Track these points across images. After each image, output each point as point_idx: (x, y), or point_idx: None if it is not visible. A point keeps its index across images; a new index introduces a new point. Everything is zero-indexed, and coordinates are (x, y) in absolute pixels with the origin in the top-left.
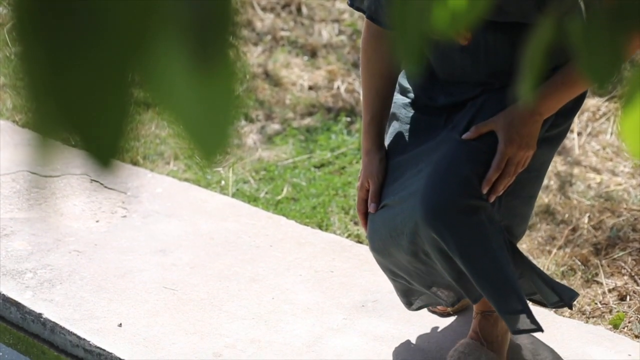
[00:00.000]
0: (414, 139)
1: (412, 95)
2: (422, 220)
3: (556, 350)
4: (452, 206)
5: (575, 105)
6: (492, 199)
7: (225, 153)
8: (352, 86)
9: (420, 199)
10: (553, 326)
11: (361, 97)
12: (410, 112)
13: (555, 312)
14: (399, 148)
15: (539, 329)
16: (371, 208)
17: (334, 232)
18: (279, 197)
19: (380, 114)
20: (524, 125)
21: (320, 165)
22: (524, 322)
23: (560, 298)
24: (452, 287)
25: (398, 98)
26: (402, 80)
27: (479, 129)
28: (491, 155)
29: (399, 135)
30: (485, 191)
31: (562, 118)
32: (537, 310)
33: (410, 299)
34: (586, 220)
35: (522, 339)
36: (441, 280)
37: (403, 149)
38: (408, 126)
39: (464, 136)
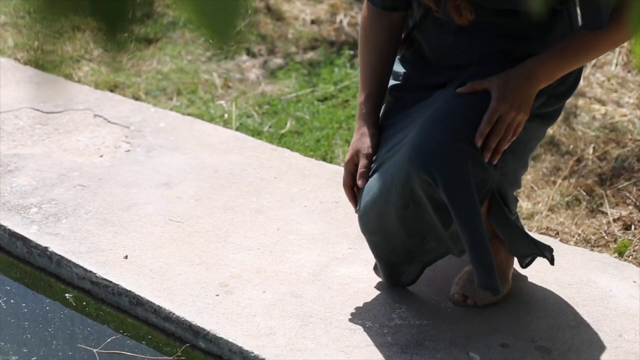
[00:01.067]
0: (406, 114)
1: (404, 78)
2: (413, 160)
3: (561, 277)
4: (443, 146)
5: (567, 90)
6: (487, 157)
7: (236, 34)
8: (354, 20)
9: (411, 142)
10: (558, 254)
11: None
12: (404, 94)
13: (560, 240)
14: (390, 124)
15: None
16: (360, 183)
17: (338, 164)
18: (283, 131)
19: (376, 93)
20: (518, 86)
21: (324, 99)
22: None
23: (542, 253)
24: (442, 239)
25: (391, 82)
26: (396, 66)
27: (474, 86)
28: (484, 111)
29: (391, 113)
30: (478, 144)
31: (554, 99)
32: (541, 237)
33: (394, 278)
34: (591, 151)
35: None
36: (431, 232)
37: (395, 123)
38: (400, 104)
39: (459, 90)
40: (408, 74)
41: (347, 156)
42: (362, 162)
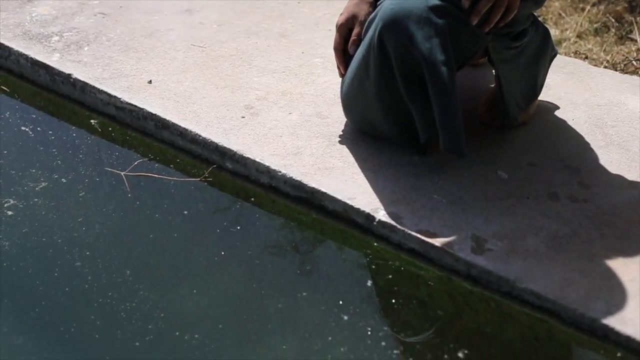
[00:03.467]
0: None
1: None
2: (390, 16)
3: (590, 98)
4: (422, 4)
5: None
6: (474, 20)
7: None
8: None
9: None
10: (587, 76)
11: None
12: None
13: (588, 63)
14: None
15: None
16: (351, 50)
17: None
18: None
19: None
20: None
21: None
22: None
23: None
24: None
25: None
26: None
27: None
28: None
29: None
30: (466, 5)
31: None
32: (570, 60)
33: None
34: None
35: (556, 88)
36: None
37: None
38: None
39: None
40: None
41: (341, 19)
42: (357, 30)
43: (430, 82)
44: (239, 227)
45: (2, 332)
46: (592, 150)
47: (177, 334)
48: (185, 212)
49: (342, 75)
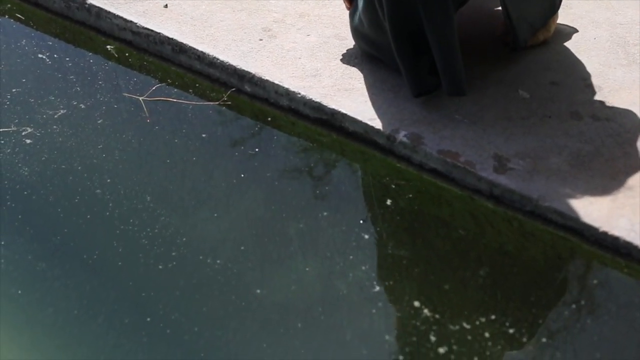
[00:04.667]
0: None
1: None
2: None
3: (612, 17)
4: None
5: None
6: None
7: None
8: None
9: None
10: None
11: None
12: None
13: None
14: None
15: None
16: None
17: None
18: None
19: None
20: None
21: None
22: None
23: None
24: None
25: None
26: None
27: None
28: None
29: None
30: None
31: None
32: None
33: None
34: None
35: (577, 7)
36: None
37: None
38: None
39: None
40: None
41: None
42: None
43: (427, 25)
44: (258, 150)
45: (26, 259)
46: (614, 68)
47: (200, 257)
48: (204, 136)
49: (349, 9)
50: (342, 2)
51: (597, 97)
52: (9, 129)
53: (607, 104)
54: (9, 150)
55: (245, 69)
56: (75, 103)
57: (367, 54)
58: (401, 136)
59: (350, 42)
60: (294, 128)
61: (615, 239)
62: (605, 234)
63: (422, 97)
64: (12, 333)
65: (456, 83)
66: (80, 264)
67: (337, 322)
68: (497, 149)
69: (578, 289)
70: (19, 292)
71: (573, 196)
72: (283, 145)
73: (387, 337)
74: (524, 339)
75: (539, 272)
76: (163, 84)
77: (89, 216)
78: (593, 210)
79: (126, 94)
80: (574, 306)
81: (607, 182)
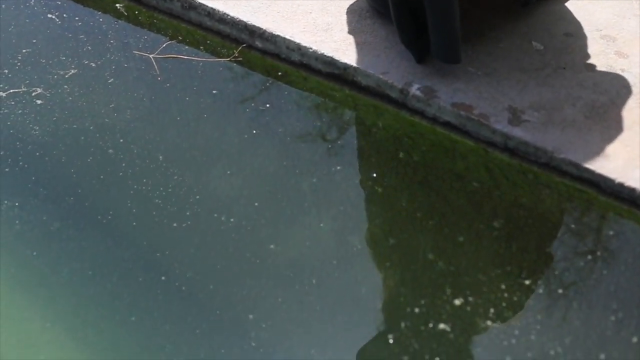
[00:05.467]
0: None
1: None
2: None
3: None
4: None
5: None
6: None
7: None
8: None
9: None
10: None
11: None
12: None
13: None
14: None
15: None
16: None
17: None
18: None
19: None
20: None
21: None
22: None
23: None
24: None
25: None
26: None
27: None
28: None
29: None
30: None
31: None
32: None
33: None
34: None
35: None
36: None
37: None
38: None
39: None
40: None
41: None
42: None
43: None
44: (270, 106)
45: (40, 220)
46: (628, 19)
47: (215, 215)
48: (215, 92)
49: None
50: None
51: (611, 48)
52: (20, 90)
53: (622, 55)
54: (20, 111)
55: (256, 25)
56: (85, 62)
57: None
58: (414, 89)
59: None
60: (306, 83)
61: (632, 190)
62: (621, 185)
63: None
64: (28, 294)
65: (452, 49)
66: (95, 224)
67: (351, 277)
68: (511, 101)
69: (594, 241)
70: (34, 253)
71: (588, 147)
72: (295, 101)
73: (402, 290)
74: (540, 291)
75: (554, 224)
76: (173, 41)
77: (102, 176)
78: (609, 162)
79: (136, 52)
80: (589, 257)
81: (623, 133)
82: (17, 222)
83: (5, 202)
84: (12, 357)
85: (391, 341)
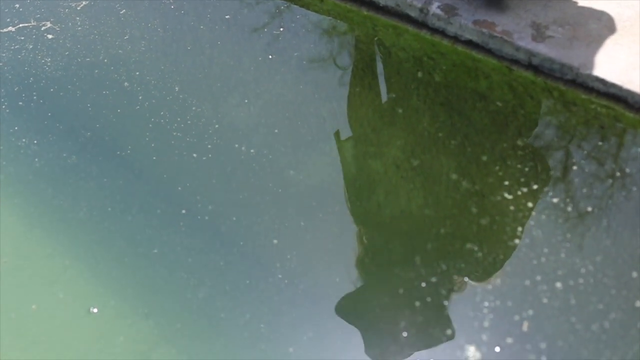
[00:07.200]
0: None
1: None
2: None
3: None
4: None
5: None
6: None
7: None
8: None
9: None
10: None
11: None
12: None
13: None
14: None
15: None
16: None
17: None
18: None
19: None
20: None
21: None
22: None
23: None
24: None
25: None
26: None
27: None
28: None
29: None
30: None
31: None
32: None
33: None
34: None
35: None
36: None
37: None
38: None
39: None
40: None
41: None
42: None
43: None
44: (283, 29)
45: (59, 155)
46: None
47: (235, 145)
48: (228, 17)
49: None
50: None
51: None
52: (29, 24)
53: None
54: (31, 47)
55: None
56: None
57: None
58: (434, 8)
59: None
60: (322, 5)
61: None
62: None
63: None
64: (49, 230)
65: None
66: (114, 158)
67: (374, 201)
68: (534, 16)
69: (622, 158)
70: (53, 189)
71: (615, 63)
72: (312, 24)
73: (426, 211)
74: (569, 209)
75: (581, 142)
76: None
77: (119, 110)
78: (636, 76)
79: None
80: (618, 174)
81: None
82: (36, 159)
83: (23, 139)
84: (34, 295)
85: (418, 263)
